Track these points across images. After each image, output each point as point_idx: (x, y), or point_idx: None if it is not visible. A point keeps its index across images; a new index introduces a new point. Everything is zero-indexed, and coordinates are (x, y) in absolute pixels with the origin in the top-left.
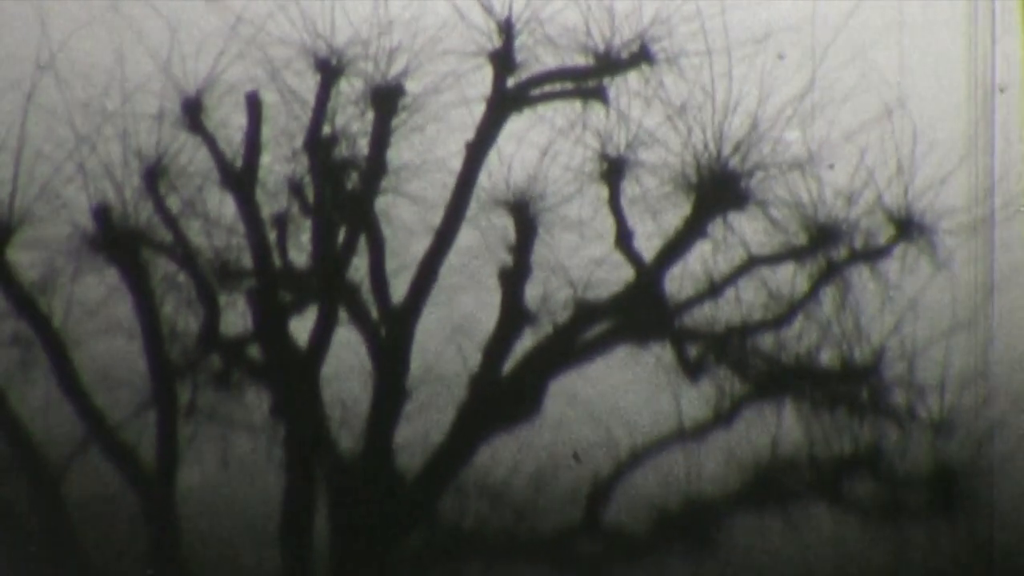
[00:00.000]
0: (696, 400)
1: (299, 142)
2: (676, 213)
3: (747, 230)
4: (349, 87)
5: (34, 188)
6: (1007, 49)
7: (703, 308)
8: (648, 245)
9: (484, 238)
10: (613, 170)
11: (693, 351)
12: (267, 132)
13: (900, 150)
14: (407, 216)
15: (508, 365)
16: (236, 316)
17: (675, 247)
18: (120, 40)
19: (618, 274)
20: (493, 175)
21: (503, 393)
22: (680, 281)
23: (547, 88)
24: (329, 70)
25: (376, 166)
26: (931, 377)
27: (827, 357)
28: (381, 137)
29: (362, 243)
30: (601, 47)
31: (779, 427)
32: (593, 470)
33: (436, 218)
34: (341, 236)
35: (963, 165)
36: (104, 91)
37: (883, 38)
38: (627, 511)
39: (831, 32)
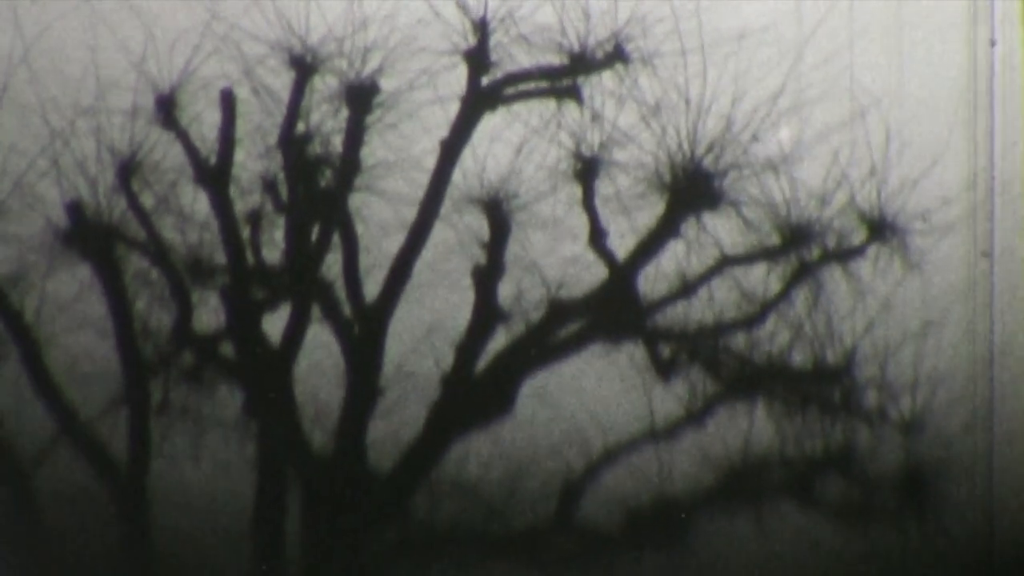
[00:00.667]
0: (668, 399)
1: (273, 139)
2: (650, 212)
3: (720, 230)
4: (323, 84)
5: (7, 183)
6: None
7: (676, 307)
8: (622, 244)
9: (458, 236)
10: (587, 169)
11: (666, 350)
12: (241, 129)
13: (873, 151)
14: (381, 214)
15: (481, 363)
16: (209, 313)
17: (648, 246)
18: (94, 36)
19: (591, 273)
20: (467, 173)
21: (476, 391)
22: (653, 280)
23: (521, 87)
24: (303, 67)
25: (350, 164)
26: (902, 377)
27: (799, 357)
28: (355, 135)
29: (335, 241)
30: (576, 46)
31: (751, 426)
32: (565, 468)
33: (410, 216)
34: (314, 234)
35: (936, 166)
36: (78, 87)
37: (857, 39)
38: (599, 509)
39: (805, 33)
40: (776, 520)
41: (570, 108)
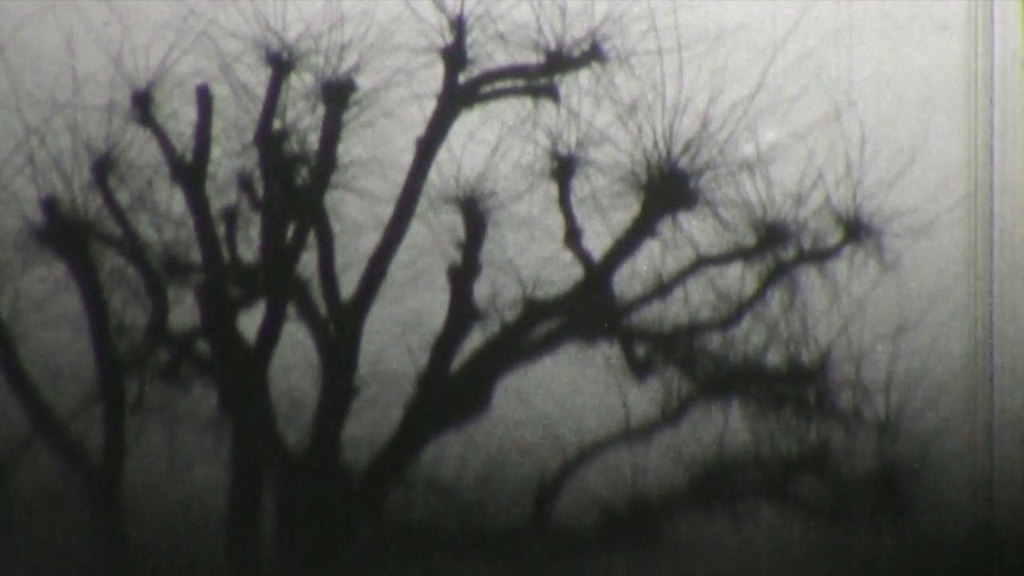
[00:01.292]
0: (643, 399)
1: (249, 136)
2: (626, 212)
3: (696, 230)
4: (300, 82)
5: None
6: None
7: (651, 307)
8: (597, 244)
9: (434, 235)
10: (563, 168)
11: (641, 350)
12: (217, 126)
13: (849, 152)
14: (357, 212)
15: (456, 362)
16: (184, 310)
17: (624, 246)
18: (71, 32)
19: (567, 273)
20: (443, 172)
21: (451, 390)
22: (629, 280)
23: (498, 85)
24: (280, 64)
25: (326, 161)
26: (877, 378)
27: (774, 357)
28: (331, 132)
29: (311, 239)
30: (552, 45)
31: (726, 426)
32: (540, 468)
33: (386, 214)
34: (290, 231)
35: (911, 168)
36: (54, 83)
37: (832, 39)
38: (574, 509)
39: (781, 33)
40: (751, 520)
41: (547, 107)
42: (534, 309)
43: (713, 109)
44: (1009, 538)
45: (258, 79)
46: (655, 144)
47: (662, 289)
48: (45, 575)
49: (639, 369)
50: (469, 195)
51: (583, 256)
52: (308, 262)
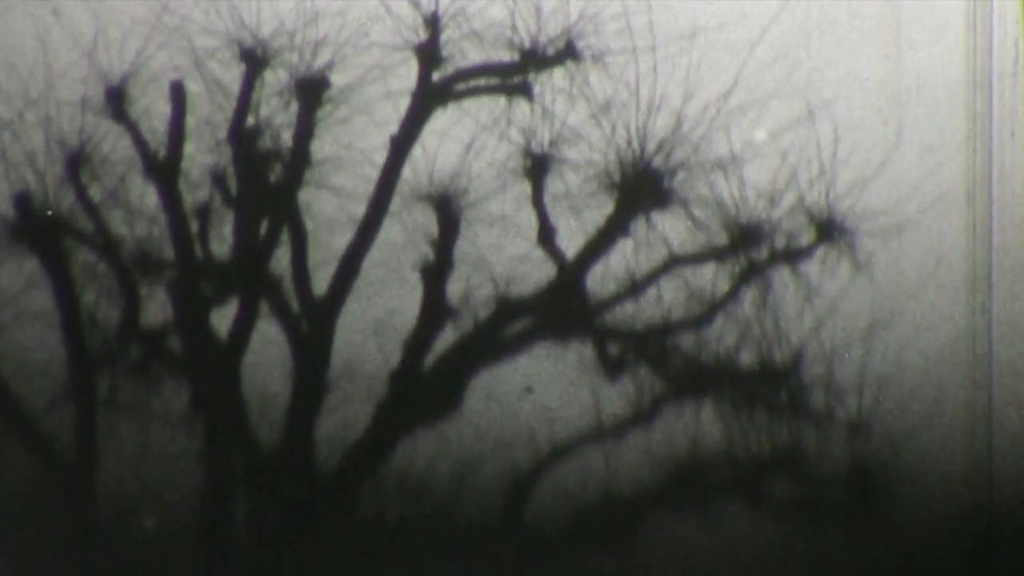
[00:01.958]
0: (616, 398)
1: (223, 133)
2: (599, 211)
3: (669, 229)
4: (274, 78)
5: None
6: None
7: (624, 306)
8: (571, 243)
9: (407, 233)
10: (537, 167)
11: (614, 349)
12: (191, 122)
13: (822, 152)
14: (330, 209)
15: (429, 360)
16: (156, 307)
17: (597, 245)
18: (44, 27)
19: (540, 271)
20: (417, 169)
21: (423, 388)
22: (602, 279)
23: (472, 83)
24: (254, 61)
25: (300, 158)
26: (849, 378)
27: (747, 356)
28: (305, 129)
29: (284, 236)
30: (527, 43)
31: (698, 426)
32: (512, 466)
33: (359, 212)
34: (263, 228)
35: (884, 168)
36: (27, 77)
37: (807, 39)
38: (546, 507)
39: (756, 32)
40: (722, 519)
41: (521, 105)
42: (507, 307)
43: (687, 108)
44: (974, 540)
45: (232, 75)
46: (629, 143)
47: (635, 288)
48: (17, 572)
49: (612, 368)
50: (442, 193)
51: (556, 254)
52: (281, 259)
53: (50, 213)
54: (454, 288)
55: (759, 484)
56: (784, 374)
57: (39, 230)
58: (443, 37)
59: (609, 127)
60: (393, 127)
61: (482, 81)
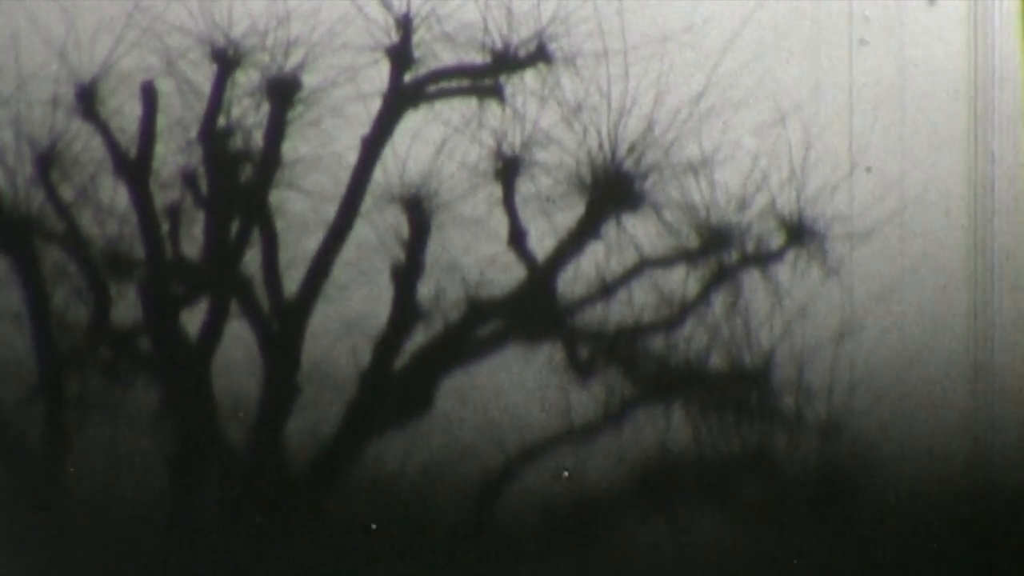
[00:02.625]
0: (586, 400)
1: (194, 133)
2: (570, 213)
3: (640, 232)
4: (245, 79)
5: None
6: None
7: (595, 308)
8: (541, 245)
9: (378, 234)
10: (508, 169)
11: (584, 351)
12: (162, 122)
13: (793, 156)
14: (301, 210)
15: (399, 362)
16: (127, 307)
17: (568, 247)
18: (15, 25)
19: (511, 273)
20: (388, 171)
21: (394, 390)
22: (572, 281)
23: (444, 85)
24: (226, 61)
25: (271, 159)
26: (819, 381)
27: (717, 359)
28: (276, 130)
29: (255, 236)
30: (499, 45)
31: (668, 428)
32: (482, 467)
33: (330, 213)
34: (234, 229)
35: (855, 172)
36: None
37: (778, 43)
38: (516, 509)
39: (728, 35)
40: (691, 521)
41: (492, 107)
42: (477, 309)
43: (658, 111)
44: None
45: (203, 76)
46: (600, 146)
47: (605, 290)
48: None
49: (582, 370)
50: (413, 194)
51: (527, 256)
52: (251, 260)
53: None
54: (425, 290)
55: (728, 486)
56: (754, 377)
57: (8, 229)
58: (415, 39)
59: (580, 130)
60: (364, 128)
61: (454, 83)
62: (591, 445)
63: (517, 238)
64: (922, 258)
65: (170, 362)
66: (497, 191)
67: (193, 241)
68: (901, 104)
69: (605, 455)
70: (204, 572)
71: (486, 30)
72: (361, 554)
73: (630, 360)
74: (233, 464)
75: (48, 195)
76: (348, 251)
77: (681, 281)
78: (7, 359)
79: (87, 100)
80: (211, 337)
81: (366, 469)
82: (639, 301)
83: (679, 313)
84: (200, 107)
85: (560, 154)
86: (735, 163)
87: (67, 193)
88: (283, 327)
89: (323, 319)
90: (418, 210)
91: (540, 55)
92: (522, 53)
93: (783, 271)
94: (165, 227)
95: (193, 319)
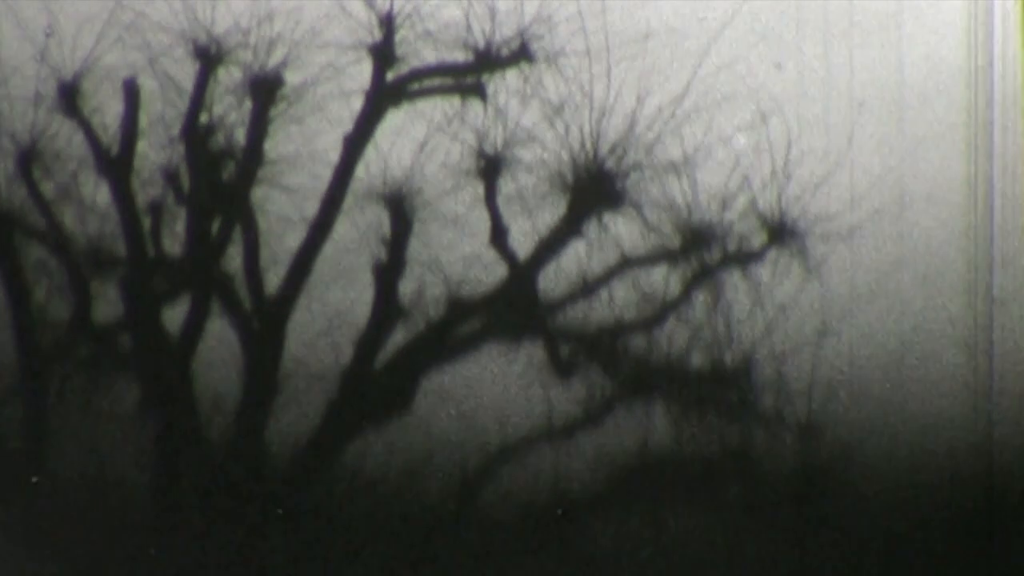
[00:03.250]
0: (567, 398)
1: (176, 130)
2: (552, 212)
3: (621, 231)
4: (228, 76)
5: None
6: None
7: (576, 307)
8: (523, 243)
9: (359, 232)
10: (490, 167)
11: (565, 350)
12: (144, 119)
13: (775, 155)
14: (283, 208)
15: (380, 360)
16: (108, 304)
17: (550, 246)
18: None
19: (492, 271)
20: (370, 169)
21: (374, 387)
22: (554, 280)
23: (426, 83)
24: (208, 59)
25: (253, 157)
26: (799, 381)
27: (697, 358)
28: (259, 128)
29: (237, 234)
30: (481, 44)
31: (649, 427)
32: (463, 466)
33: (312, 211)
34: (216, 226)
35: (836, 172)
36: None
37: (760, 43)
38: (496, 507)
39: (710, 35)
40: (672, 519)
41: (474, 105)
42: (459, 307)
43: (640, 110)
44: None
45: (186, 73)
46: (582, 144)
47: (587, 289)
48: None
49: (563, 368)
50: (395, 192)
51: (508, 255)
52: (233, 257)
53: None
54: (406, 288)
55: (709, 485)
56: (734, 376)
57: None
58: (397, 37)
59: (562, 128)
60: (347, 126)
61: (436, 81)
62: (572, 443)
63: (499, 236)
64: (920, 257)
65: (151, 359)
66: (479, 189)
67: (175, 238)
68: (898, 102)
69: (586, 453)
70: (184, 568)
71: (469, 29)
72: (340, 551)
73: (611, 359)
74: (214, 461)
75: (30, 192)
76: (330, 249)
77: (662, 280)
78: None
79: (69, 97)
80: (192, 334)
81: (346, 466)
82: (620, 300)
83: (660, 312)
84: (182, 104)
85: (542, 153)
86: (717, 162)
87: (49, 190)
88: (264, 325)
89: (304, 317)
90: (400, 208)
91: (522, 54)
92: (504, 52)
93: (764, 270)
94: (147, 224)
95: (174, 316)
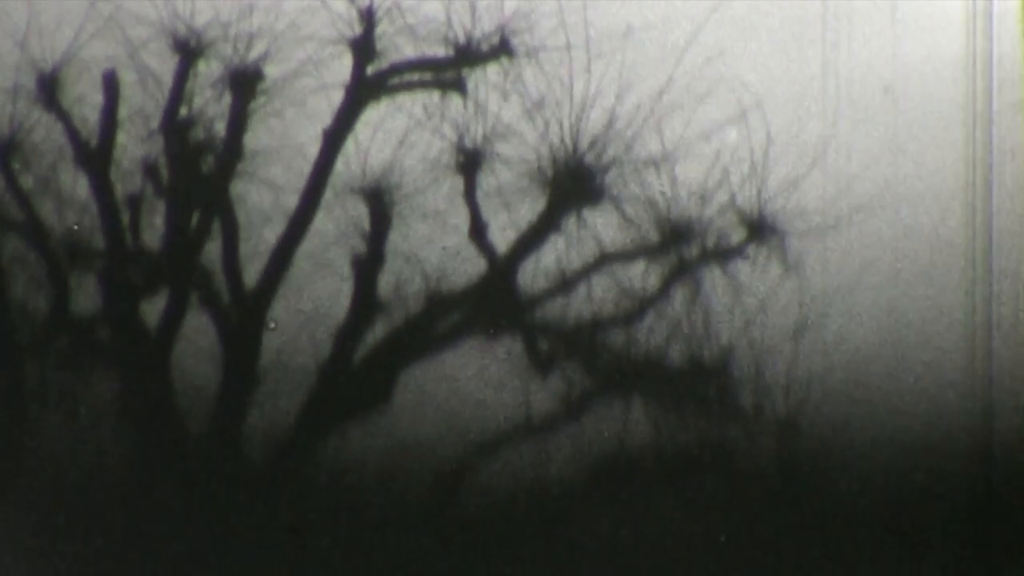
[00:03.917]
0: (546, 393)
1: (155, 123)
2: (531, 207)
3: (600, 226)
4: (208, 69)
5: None
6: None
7: (555, 302)
8: (502, 238)
9: (338, 226)
10: (469, 162)
11: (544, 345)
12: (123, 112)
13: (754, 151)
14: (262, 201)
15: (359, 354)
16: (86, 297)
17: (529, 241)
18: None
19: (472, 266)
20: (350, 163)
21: (353, 381)
22: (533, 275)
23: (406, 78)
24: (188, 51)
25: (232, 150)
26: (777, 376)
27: (676, 354)
28: (238, 121)
29: (216, 227)
30: (461, 39)
31: (627, 422)
32: (442, 460)
33: (291, 204)
34: (195, 219)
35: (815, 168)
36: None
37: (741, 39)
38: (474, 502)
39: (690, 31)
40: (650, 513)
41: (454, 100)
42: (438, 301)
43: (620, 106)
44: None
45: (166, 66)
46: (562, 140)
47: (566, 284)
48: None
49: (542, 363)
50: (375, 186)
51: (488, 250)
52: (212, 251)
53: None
54: (385, 282)
55: (687, 480)
56: (713, 371)
57: None
58: (377, 31)
59: (542, 124)
60: (326, 120)
61: (416, 76)
62: (550, 438)
63: (478, 231)
64: (918, 254)
65: (129, 352)
66: (458, 184)
67: (154, 231)
68: (894, 99)
69: (564, 448)
70: (161, 562)
71: (449, 23)
72: (318, 545)
73: (590, 354)
74: (192, 455)
75: (8, 184)
76: (309, 243)
77: (641, 276)
78: None
79: (48, 89)
80: (171, 328)
81: (325, 460)
82: (599, 295)
83: (639, 308)
84: (162, 97)
85: (522, 148)
86: (696, 158)
87: (27, 182)
88: (243, 318)
89: (283, 310)
90: (379, 202)
91: (502, 49)
92: (484, 47)
93: (743, 266)
94: (126, 217)
95: (153, 310)
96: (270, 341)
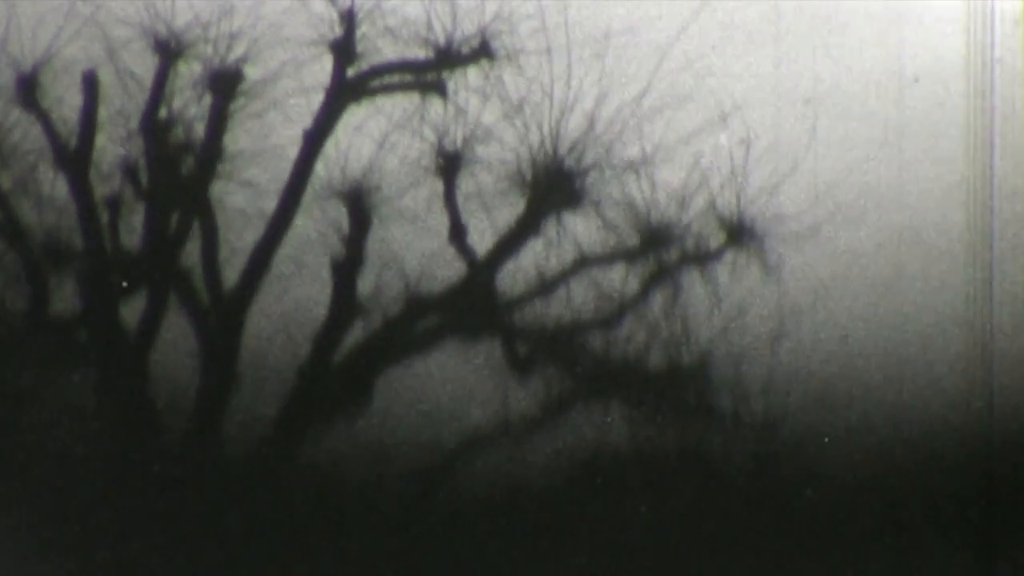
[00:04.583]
0: (524, 397)
1: (135, 124)
2: (510, 210)
3: (580, 229)
4: (188, 70)
5: None
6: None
7: (534, 306)
8: (481, 241)
9: (318, 228)
10: (449, 165)
11: (523, 348)
12: (103, 112)
13: (734, 156)
14: (241, 203)
15: (338, 357)
16: (65, 298)
17: (508, 244)
18: None
19: (451, 269)
20: (329, 165)
21: (332, 383)
22: (512, 278)
23: (386, 80)
24: (168, 52)
25: (212, 151)
26: (756, 380)
27: (655, 358)
28: (218, 122)
29: (195, 228)
30: (442, 41)
31: (606, 425)
32: (420, 463)
33: (270, 206)
34: (174, 221)
35: (794, 173)
36: None
37: (721, 42)
38: (454, 505)
39: (671, 34)
40: (629, 516)
41: (434, 103)
42: (417, 304)
43: (600, 109)
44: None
45: (145, 66)
46: (541, 143)
47: (545, 287)
48: None
49: (520, 366)
50: (355, 189)
51: (467, 253)
52: (191, 252)
53: None
54: (364, 284)
55: (666, 483)
56: (691, 375)
57: None
58: (358, 33)
59: (522, 127)
60: (306, 122)
61: (396, 78)
62: (529, 440)
63: (457, 234)
64: (917, 254)
65: (108, 353)
66: (438, 187)
67: (133, 232)
68: (896, 101)
69: (543, 452)
70: (140, 560)
71: (429, 26)
72: (298, 545)
73: (568, 357)
74: (170, 455)
75: None
76: (288, 245)
77: (620, 279)
78: None
79: (28, 89)
80: (149, 329)
81: (304, 462)
82: (578, 298)
83: (618, 311)
84: (142, 98)
85: (501, 151)
86: (676, 162)
87: (6, 182)
88: (222, 320)
89: (262, 312)
90: (359, 204)
91: (483, 52)
92: (465, 50)
93: (722, 270)
94: (105, 218)
95: (132, 311)
96: (249, 343)
